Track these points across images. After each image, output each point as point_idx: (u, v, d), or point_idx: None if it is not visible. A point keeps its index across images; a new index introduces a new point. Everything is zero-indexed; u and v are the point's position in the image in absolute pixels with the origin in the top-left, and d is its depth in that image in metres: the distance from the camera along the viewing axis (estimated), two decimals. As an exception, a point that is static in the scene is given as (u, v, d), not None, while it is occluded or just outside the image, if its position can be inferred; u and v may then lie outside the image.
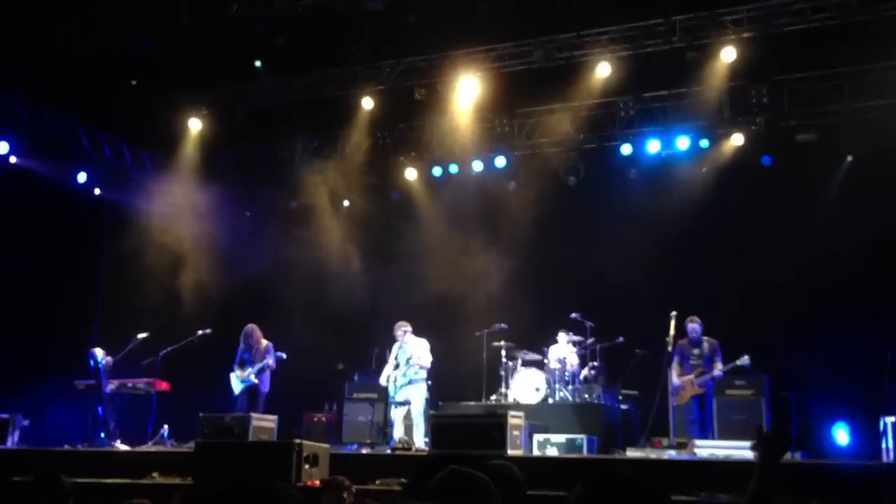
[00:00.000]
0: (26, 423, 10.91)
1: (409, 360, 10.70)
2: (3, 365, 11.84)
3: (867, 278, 10.19)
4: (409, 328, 10.85)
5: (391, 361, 10.81)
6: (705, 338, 10.07)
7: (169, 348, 11.22)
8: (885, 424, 8.75)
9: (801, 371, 10.47)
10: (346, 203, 13.64)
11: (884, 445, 8.75)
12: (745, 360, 9.71)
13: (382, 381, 10.82)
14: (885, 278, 10.22)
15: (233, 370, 10.89)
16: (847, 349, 10.29)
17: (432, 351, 10.77)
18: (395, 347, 10.84)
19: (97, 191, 13.93)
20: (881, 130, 10.76)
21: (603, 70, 11.58)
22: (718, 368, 9.86)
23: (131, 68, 12.02)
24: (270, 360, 10.73)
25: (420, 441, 10.28)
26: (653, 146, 12.48)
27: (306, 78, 12.68)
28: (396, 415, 10.71)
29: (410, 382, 10.69)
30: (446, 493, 2.69)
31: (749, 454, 8.45)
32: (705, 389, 9.97)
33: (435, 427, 9.04)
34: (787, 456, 8.37)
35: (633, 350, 11.07)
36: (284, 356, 10.83)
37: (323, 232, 12.92)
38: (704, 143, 12.26)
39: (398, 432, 10.58)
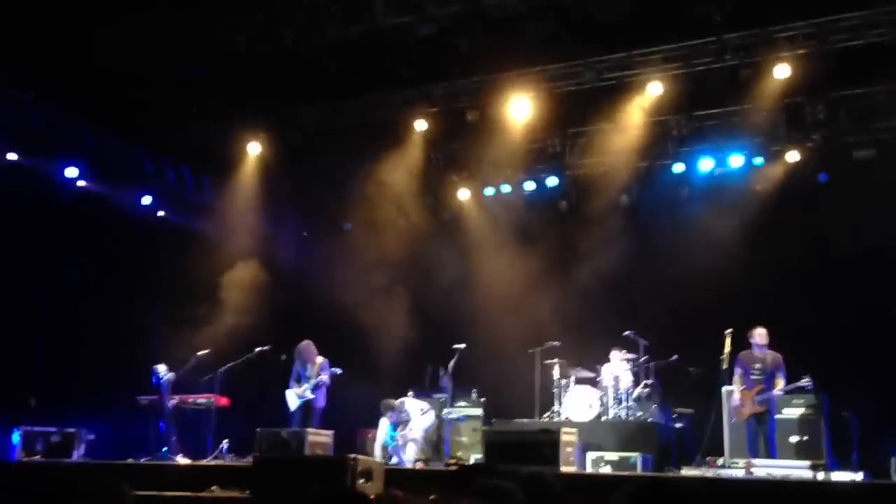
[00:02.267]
0: (91, 437, 11.27)
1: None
2: (70, 381, 12.24)
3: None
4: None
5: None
6: (770, 351, 9.95)
7: (228, 365, 11.49)
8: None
9: (862, 391, 10.26)
10: (400, 224, 13.82)
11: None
12: (806, 381, 9.57)
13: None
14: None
15: (289, 386, 11.10)
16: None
17: (486, 368, 10.90)
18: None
19: (160, 213, 14.36)
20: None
21: (654, 89, 11.58)
22: (780, 387, 9.70)
23: (192, 95, 12.40)
24: (325, 377, 10.93)
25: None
26: (705, 164, 12.42)
27: (359, 102, 12.91)
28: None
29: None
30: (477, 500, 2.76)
31: (807, 474, 8.38)
32: (766, 407, 9.82)
33: (488, 444, 9.11)
34: (849, 476, 8.24)
35: (688, 368, 11.00)
36: (340, 371, 11.01)
37: (378, 252, 13.09)
38: (758, 160, 12.16)
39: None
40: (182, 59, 11.54)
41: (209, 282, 13.14)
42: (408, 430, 10.94)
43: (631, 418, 11.03)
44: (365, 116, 13.01)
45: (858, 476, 8.59)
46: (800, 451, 10.00)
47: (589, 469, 9.58)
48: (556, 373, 11.67)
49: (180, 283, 13.00)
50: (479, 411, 11.97)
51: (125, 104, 12.15)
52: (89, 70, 11.18)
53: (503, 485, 2.84)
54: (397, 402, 11.17)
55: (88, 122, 12.60)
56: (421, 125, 12.89)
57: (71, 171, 12.85)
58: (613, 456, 9.80)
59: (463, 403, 12.07)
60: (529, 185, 13.45)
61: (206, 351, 11.62)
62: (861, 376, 10.32)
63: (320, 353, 11.27)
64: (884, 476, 9.44)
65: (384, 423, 11.13)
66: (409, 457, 10.78)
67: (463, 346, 11.25)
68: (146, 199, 13.99)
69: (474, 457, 10.65)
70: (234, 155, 13.76)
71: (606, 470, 9.60)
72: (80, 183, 13.10)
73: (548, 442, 8.45)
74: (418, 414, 11.08)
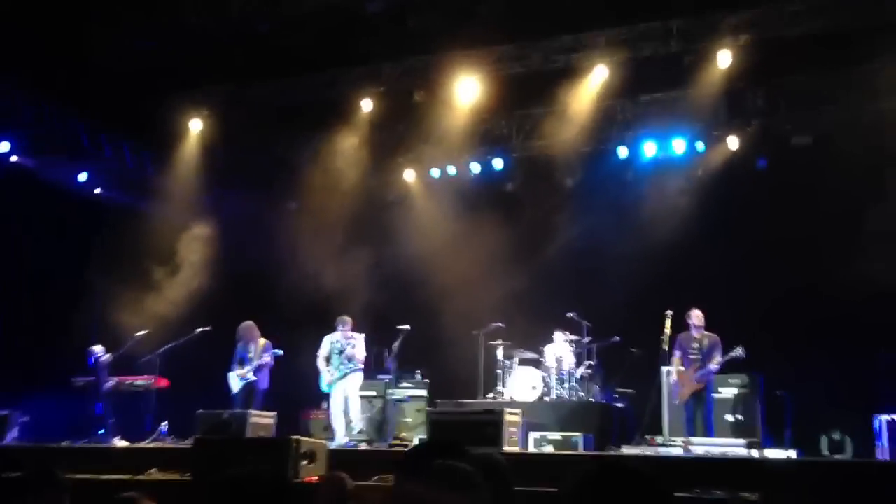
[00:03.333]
0: (26, 419, 10.99)
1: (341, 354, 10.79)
2: (3, 362, 11.91)
3: (861, 280, 10.26)
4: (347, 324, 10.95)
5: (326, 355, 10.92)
6: (706, 332, 10.15)
7: (168, 346, 11.30)
8: (879, 423, 8.84)
9: (795, 370, 10.56)
10: (345, 204, 13.69)
11: (879, 444, 8.83)
12: (739, 351, 9.79)
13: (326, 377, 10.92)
14: (879, 280, 10.29)
15: (231, 368, 10.97)
16: (840, 349, 10.40)
17: (430, 349, 10.88)
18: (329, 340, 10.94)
19: (97, 190, 14.00)
20: (877, 133, 10.85)
21: (600, 73, 11.66)
22: (716, 362, 9.92)
23: (132, 68, 12.08)
24: (268, 358, 10.83)
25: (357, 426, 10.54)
26: (649, 149, 12.57)
27: (306, 80, 12.73)
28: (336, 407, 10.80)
29: (345, 376, 10.78)
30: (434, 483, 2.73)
31: (743, 452, 8.59)
32: (704, 384, 10.01)
33: (432, 424, 9.15)
34: (782, 454, 8.46)
35: (629, 349, 11.17)
36: (282, 353, 10.92)
37: (321, 232, 12.97)
38: (700, 146, 12.36)
39: (340, 426, 10.67)
40: (126, 32, 11.23)
41: (148, 261, 12.89)
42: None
43: (573, 398, 11.17)
44: (311, 95, 12.83)
45: (791, 453, 8.82)
46: (735, 430, 10.26)
47: (531, 449, 9.66)
48: (499, 354, 11.75)
49: (119, 263, 12.71)
50: (423, 392, 11.99)
51: (62, 76, 11.79)
52: (24, 39, 10.82)
53: (461, 466, 2.80)
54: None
55: (21, 93, 12.19)
56: (367, 105, 12.77)
57: (2, 146, 12.44)
58: (556, 435, 9.92)
59: (407, 384, 12.08)
60: (475, 167, 13.45)
61: (145, 331, 11.42)
62: (794, 357, 10.62)
63: (262, 335, 11.15)
64: (814, 453, 9.76)
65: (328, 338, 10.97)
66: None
67: (407, 327, 11.24)
68: (82, 176, 13.62)
69: (418, 437, 10.66)
70: (177, 131, 13.46)
71: (549, 449, 9.70)
72: (13, 158, 12.70)
73: (491, 422, 8.52)
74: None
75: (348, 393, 10.75)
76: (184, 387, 11.39)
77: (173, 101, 13.00)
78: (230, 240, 13.54)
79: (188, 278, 13.00)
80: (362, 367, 10.93)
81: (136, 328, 11.61)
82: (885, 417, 8.71)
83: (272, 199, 14.12)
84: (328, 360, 10.89)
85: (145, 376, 11.33)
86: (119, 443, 10.41)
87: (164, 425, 10.84)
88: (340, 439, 10.50)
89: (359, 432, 10.65)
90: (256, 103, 13.09)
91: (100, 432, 10.68)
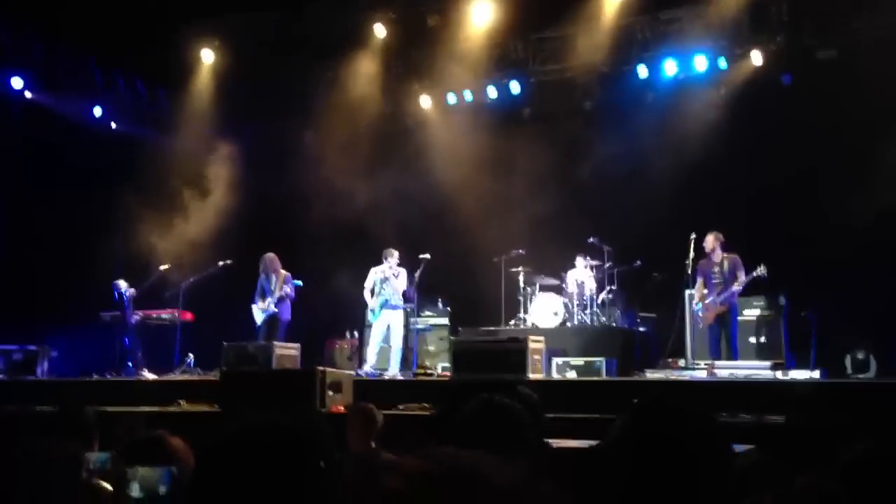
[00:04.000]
0: (55, 353, 11.19)
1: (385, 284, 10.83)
2: (31, 298, 12.07)
3: (888, 198, 10.07)
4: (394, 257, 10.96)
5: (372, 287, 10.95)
6: (725, 254, 10.06)
7: (191, 279, 11.40)
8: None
9: (820, 291, 10.47)
10: (361, 132, 13.56)
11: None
12: (761, 270, 9.70)
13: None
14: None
15: (254, 300, 11.04)
16: (867, 268, 10.28)
17: (451, 277, 10.88)
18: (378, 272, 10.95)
19: (113, 125, 13.94)
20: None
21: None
22: (739, 282, 9.84)
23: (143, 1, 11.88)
24: (289, 289, 10.87)
25: (394, 367, 10.54)
26: (669, 68, 12.26)
27: (317, 6, 12.48)
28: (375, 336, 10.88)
29: (387, 305, 10.83)
30: (481, 425, 2.70)
31: (767, 374, 8.59)
32: (728, 307, 9.95)
33: (456, 353, 9.19)
34: (807, 374, 8.46)
35: (651, 273, 11.11)
36: (301, 283, 10.94)
37: (338, 162, 12.88)
38: (723, 63, 12.03)
39: (372, 353, 10.78)
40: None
41: (169, 195, 12.90)
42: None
43: (595, 324, 11.18)
44: (323, 22, 12.59)
45: (816, 374, 8.82)
46: (760, 352, 10.23)
47: (555, 375, 9.72)
48: (521, 280, 11.74)
49: (139, 197, 12.73)
50: (445, 321, 12.04)
51: (73, 12, 11.61)
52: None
53: (512, 406, 2.75)
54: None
55: (33, 31, 12.03)
56: (381, 31, 12.54)
57: (16, 82, 12.35)
58: (578, 361, 9.96)
59: (429, 313, 12.12)
60: (492, 92, 13.22)
61: (168, 266, 11.50)
62: (819, 277, 10.51)
63: (284, 266, 11.18)
64: (839, 373, 9.74)
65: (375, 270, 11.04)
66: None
67: (428, 256, 11.21)
68: (97, 111, 13.54)
69: (441, 366, 10.75)
70: (189, 64, 13.34)
71: (572, 375, 9.76)
72: (27, 94, 12.62)
73: (516, 350, 8.54)
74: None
75: (391, 323, 10.82)
76: (209, 320, 11.52)
77: (184, 33, 12.82)
78: (248, 171, 13.51)
79: (209, 211, 13.03)
80: (402, 302, 10.96)
81: (160, 262, 11.69)
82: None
83: (288, 130, 13.99)
84: (373, 291, 10.93)
85: (170, 310, 11.45)
86: (147, 375, 10.59)
87: (191, 358, 10.99)
88: (368, 368, 10.59)
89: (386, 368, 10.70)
90: (268, 32, 12.85)
91: (128, 365, 10.85)
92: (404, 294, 11.05)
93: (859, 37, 11.10)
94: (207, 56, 13.31)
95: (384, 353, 10.96)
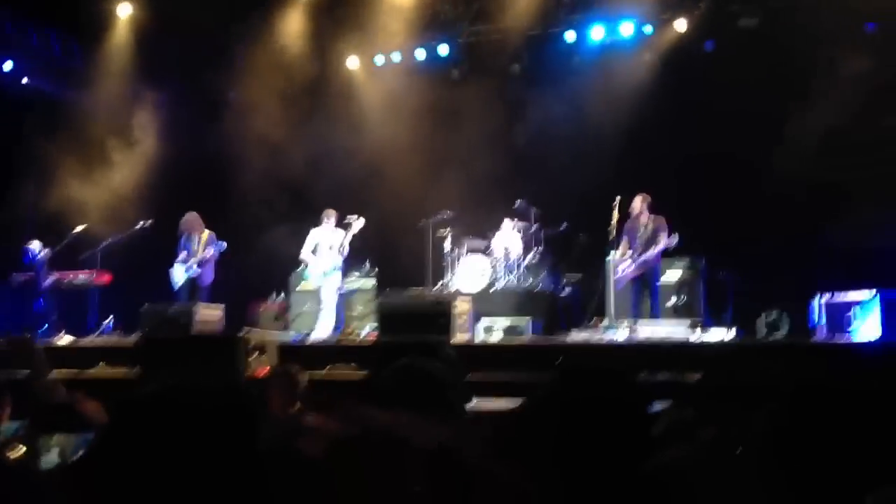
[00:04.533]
0: (-34, 317, 10.78)
1: (331, 248, 10.75)
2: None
3: (803, 163, 10.38)
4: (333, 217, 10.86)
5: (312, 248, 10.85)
6: (651, 215, 10.22)
7: (109, 240, 11.06)
8: (817, 305, 9.11)
9: (737, 253, 10.78)
10: (287, 93, 13.29)
11: (815, 325, 9.12)
12: (674, 239, 9.89)
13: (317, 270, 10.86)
14: (821, 163, 10.42)
15: (175, 261, 10.79)
16: (783, 231, 10.63)
17: (378, 239, 10.82)
18: (318, 234, 10.85)
19: (25, 80, 13.35)
20: (823, 12, 10.76)
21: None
22: (655, 249, 9.99)
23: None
24: (212, 250, 10.65)
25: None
26: (596, 33, 12.34)
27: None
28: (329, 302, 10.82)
29: (335, 270, 10.76)
30: (403, 388, 2.69)
31: (686, 332, 8.82)
32: (650, 267, 10.09)
33: (382, 315, 9.16)
34: (723, 332, 8.72)
35: (577, 235, 11.25)
36: (225, 245, 10.73)
37: (264, 121, 12.61)
38: (648, 29, 12.16)
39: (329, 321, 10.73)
40: None
41: (83, 154, 12.44)
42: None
43: (521, 286, 11.28)
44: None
45: (731, 333, 9.08)
46: (680, 312, 10.47)
47: (481, 336, 9.79)
48: (447, 243, 11.74)
49: (52, 156, 12.25)
50: (371, 283, 11.98)
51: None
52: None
53: (434, 369, 2.73)
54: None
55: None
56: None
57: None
58: (504, 322, 10.05)
59: (356, 275, 12.05)
60: (421, 54, 13.09)
61: (83, 227, 11.13)
62: (738, 239, 10.82)
63: (207, 227, 10.93)
64: (754, 333, 10.07)
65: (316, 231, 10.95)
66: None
67: (356, 217, 11.06)
68: (7, 65, 12.95)
69: (368, 326, 10.71)
70: (105, 18, 12.84)
71: (498, 336, 9.85)
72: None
73: (441, 312, 8.56)
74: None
75: (332, 285, 10.73)
76: (129, 282, 11.22)
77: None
78: (170, 129, 13.14)
79: (128, 169, 12.66)
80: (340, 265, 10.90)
81: (76, 222, 11.31)
82: (820, 300, 8.97)
83: (211, 86, 13.61)
84: (314, 252, 10.79)
85: (87, 271, 11.11)
86: (63, 339, 10.28)
87: (110, 320, 10.71)
88: (321, 333, 10.48)
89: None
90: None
91: (42, 329, 10.50)
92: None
93: (780, 5, 11.34)
94: (125, 9, 12.81)
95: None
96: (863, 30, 11.03)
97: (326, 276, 10.79)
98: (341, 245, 10.79)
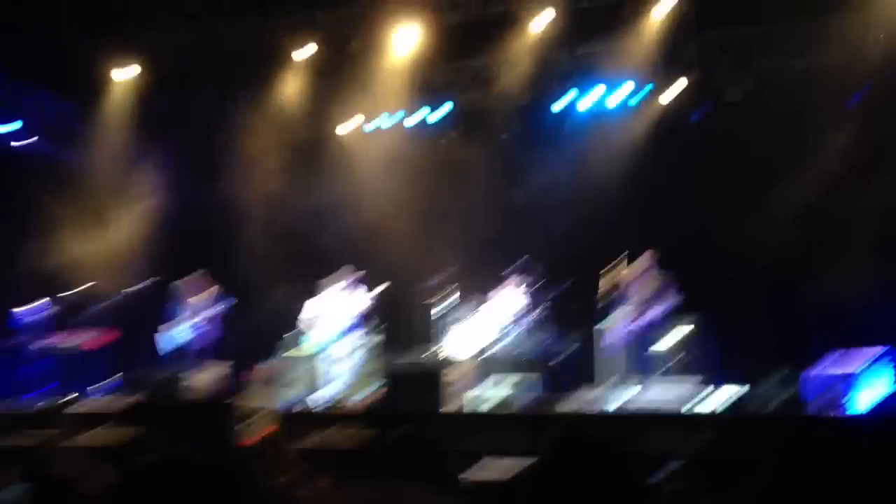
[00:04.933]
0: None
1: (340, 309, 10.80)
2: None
3: (786, 236, 10.56)
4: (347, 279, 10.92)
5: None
6: (655, 274, 10.32)
7: (102, 304, 11.06)
8: (809, 377, 9.09)
9: (733, 316, 10.82)
10: (281, 156, 13.44)
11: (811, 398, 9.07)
12: (672, 302, 9.96)
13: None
14: (809, 236, 10.60)
15: (170, 323, 10.79)
16: (789, 290, 10.77)
17: (373, 301, 10.88)
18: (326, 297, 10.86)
19: (23, 141, 13.46)
20: (806, 88, 11.06)
21: (539, 24, 11.66)
22: (659, 306, 10.09)
23: (52, 9, 11.56)
24: (211, 312, 10.67)
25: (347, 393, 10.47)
26: (584, 102, 12.61)
27: (236, 27, 12.38)
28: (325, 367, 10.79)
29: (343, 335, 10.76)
30: (405, 458, 2.71)
31: (694, 391, 8.76)
32: (651, 328, 10.16)
33: (374, 380, 9.16)
34: (734, 389, 8.67)
35: (572, 299, 11.27)
36: (226, 305, 10.76)
37: (256, 187, 12.73)
38: (634, 100, 12.44)
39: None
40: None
41: (79, 216, 12.50)
42: None
43: (521, 347, 11.22)
44: (242, 43, 12.49)
45: (741, 390, 9.10)
46: (684, 371, 10.29)
47: (486, 393, 9.76)
48: (441, 308, 11.72)
49: (47, 218, 12.29)
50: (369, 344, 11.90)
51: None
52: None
53: (427, 435, 2.75)
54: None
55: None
56: (302, 53, 12.53)
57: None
58: (499, 390, 10.01)
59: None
60: (412, 120, 13.31)
61: (77, 291, 11.14)
62: (732, 303, 10.88)
63: (206, 288, 10.95)
64: (762, 392, 9.98)
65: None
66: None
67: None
68: (1, 128, 13.05)
69: (363, 390, 10.63)
70: (102, 80, 13.03)
71: (499, 395, 9.82)
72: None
73: (433, 378, 8.58)
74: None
75: (341, 352, 10.76)
76: (121, 346, 11.19)
77: (96, 48, 12.51)
78: (164, 192, 13.22)
79: (127, 229, 12.71)
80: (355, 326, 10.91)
81: (76, 283, 11.32)
82: (814, 372, 8.96)
83: (207, 150, 13.76)
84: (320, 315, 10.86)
85: (78, 336, 11.06)
86: (47, 403, 10.20)
87: (101, 385, 10.65)
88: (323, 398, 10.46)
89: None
90: (185, 52, 12.67)
91: (29, 394, 10.42)
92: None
93: (765, 78, 11.64)
94: (122, 73, 13.02)
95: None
96: (845, 105, 11.26)
97: (333, 340, 10.76)
98: (351, 306, 10.78)
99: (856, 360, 8.66)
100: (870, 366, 8.54)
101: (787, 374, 9.63)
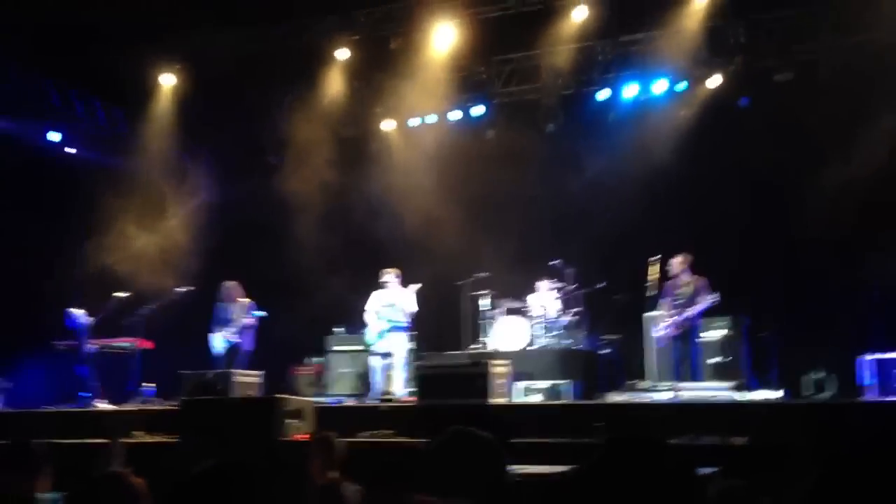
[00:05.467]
0: (9, 385, 10.89)
1: (393, 308, 10.76)
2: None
3: (847, 217, 10.21)
4: (396, 277, 10.88)
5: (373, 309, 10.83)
6: (692, 277, 10.11)
7: (151, 307, 11.17)
8: (864, 363, 8.85)
9: (780, 311, 10.57)
10: (325, 155, 13.46)
11: (867, 382, 8.83)
12: (714, 297, 9.75)
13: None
14: (865, 216, 10.26)
15: (213, 329, 10.86)
16: (827, 288, 10.41)
17: (424, 299, 10.85)
18: (379, 295, 10.85)
19: (71, 150, 13.71)
20: (857, 67, 10.71)
21: (579, 14, 11.49)
22: (695, 308, 9.88)
23: (101, 21, 11.73)
24: (250, 318, 10.73)
25: (399, 390, 10.36)
26: (629, 90, 12.39)
27: (280, 28, 12.46)
28: (377, 364, 10.75)
29: (392, 330, 10.73)
30: (452, 458, 2.64)
31: (729, 394, 8.63)
32: (685, 329, 9.97)
33: (419, 377, 9.11)
34: (769, 394, 8.52)
35: (614, 296, 11.11)
36: (265, 314, 10.81)
37: (302, 186, 12.77)
38: (681, 85, 12.19)
39: (380, 382, 10.66)
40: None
41: (127, 221, 12.67)
42: None
43: (559, 346, 11.14)
44: (284, 44, 12.56)
45: (778, 394, 8.86)
46: (722, 373, 10.24)
47: (518, 399, 9.64)
48: (484, 304, 11.68)
49: (96, 223, 12.49)
50: (409, 345, 11.89)
51: (26, 32, 11.44)
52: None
53: (482, 437, 2.68)
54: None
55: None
56: (343, 54, 12.56)
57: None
58: (542, 384, 9.91)
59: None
60: (455, 115, 13.24)
61: (126, 293, 11.26)
62: (781, 298, 10.62)
63: (246, 294, 11.03)
64: (799, 393, 9.79)
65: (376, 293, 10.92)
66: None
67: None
68: (54, 136, 13.31)
69: (405, 391, 10.62)
70: (149, 86, 13.20)
71: (537, 398, 9.71)
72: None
73: (478, 374, 8.48)
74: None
75: (393, 349, 10.70)
76: (169, 348, 11.29)
77: (143, 55, 12.67)
78: (210, 197, 13.35)
79: (169, 236, 12.85)
80: (407, 323, 10.87)
81: (118, 289, 11.46)
82: (870, 357, 8.71)
83: (250, 153, 13.87)
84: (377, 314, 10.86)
85: (129, 338, 11.21)
86: (103, 406, 10.34)
87: (150, 387, 10.76)
88: (375, 395, 10.44)
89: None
90: (228, 55, 12.76)
91: (84, 396, 10.58)
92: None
93: (816, 58, 11.31)
94: (167, 79, 13.17)
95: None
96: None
97: (381, 336, 10.73)
98: (403, 304, 10.75)
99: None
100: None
101: (824, 376, 9.37)
